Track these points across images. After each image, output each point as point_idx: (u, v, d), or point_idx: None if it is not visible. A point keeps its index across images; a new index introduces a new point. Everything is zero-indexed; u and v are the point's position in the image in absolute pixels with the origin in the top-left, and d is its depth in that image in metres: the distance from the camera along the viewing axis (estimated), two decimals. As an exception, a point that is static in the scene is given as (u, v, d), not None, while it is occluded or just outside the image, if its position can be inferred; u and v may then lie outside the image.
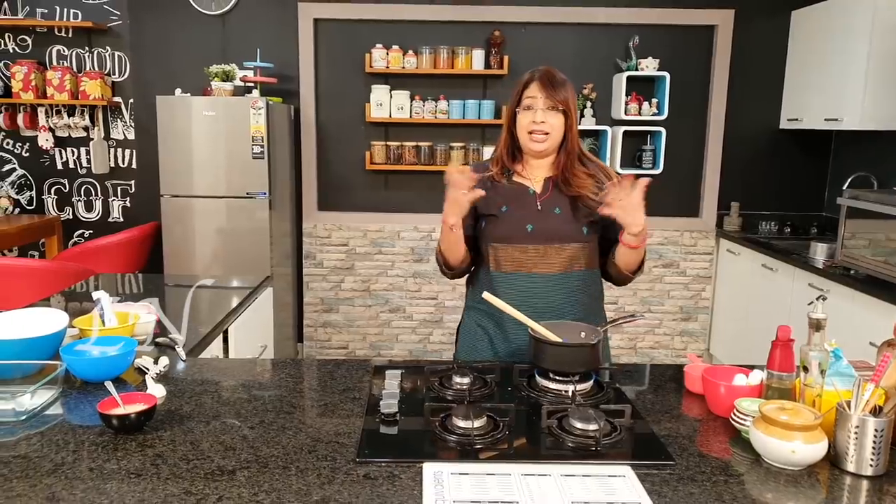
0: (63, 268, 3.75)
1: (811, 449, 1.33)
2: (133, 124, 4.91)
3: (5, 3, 4.74)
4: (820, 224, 4.92)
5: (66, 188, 5.00)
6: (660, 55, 4.73)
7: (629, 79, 4.68)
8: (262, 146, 4.28)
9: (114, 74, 4.86)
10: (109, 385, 1.54)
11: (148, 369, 1.77)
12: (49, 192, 5.01)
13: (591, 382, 1.75)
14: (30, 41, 4.83)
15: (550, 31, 4.80)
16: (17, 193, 5.00)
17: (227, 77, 4.40)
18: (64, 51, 4.84)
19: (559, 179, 2.03)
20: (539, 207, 2.02)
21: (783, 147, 4.95)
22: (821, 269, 3.71)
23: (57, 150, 4.94)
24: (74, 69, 4.80)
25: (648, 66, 4.68)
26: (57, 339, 1.82)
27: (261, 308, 2.94)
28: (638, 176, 1.84)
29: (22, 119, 4.82)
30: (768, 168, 4.98)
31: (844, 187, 4.26)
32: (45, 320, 1.91)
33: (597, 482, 1.30)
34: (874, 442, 1.33)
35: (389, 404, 1.58)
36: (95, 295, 2.01)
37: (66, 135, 4.92)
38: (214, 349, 2.33)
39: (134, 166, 4.97)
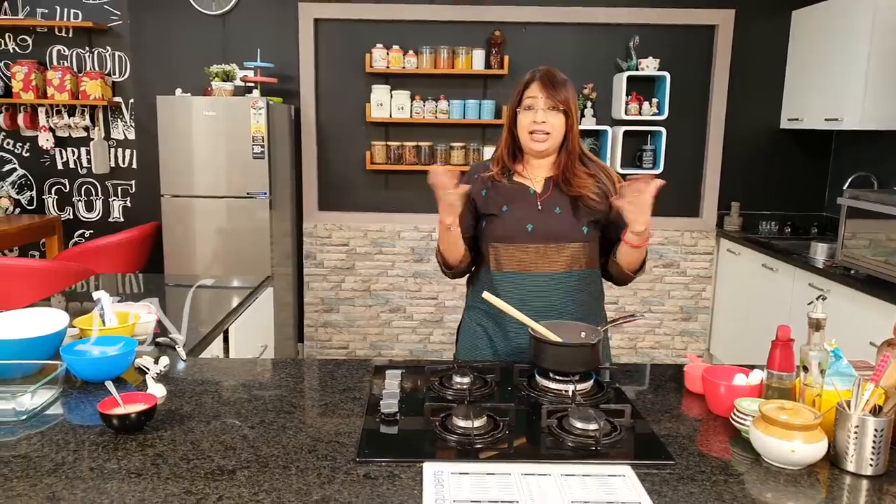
0: (63, 268, 3.75)
1: (811, 448, 1.33)
2: (133, 124, 4.92)
3: (5, 4, 4.75)
4: (820, 224, 4.92)
5: (66, 188, 5.00)
6: (660, 55, 4.73)
7: (629, 79, 4.68)
8: (262, 146, 4.28)
9: (114, 74, 4.86)
10: (110, 385, 1.54)
11: (148, 369, 1.77)
12: (49, 192, 5.01)
13: (591, 382, 1.75)
14: (30, 41, 4.83)
15: (551, 31, 4.80)
16: (17, 193, 5.00)
17: (227, 77, 4.40)
18: (64, 51, 4.84)
19: (560, 179, 2.03)
20: (539, 207, 2.02)
21: (783, 147, 4.95)
22: (821, 269, 3.71)
23: (57, 150, 4.94)
24: (75, 69, 4.81)
25: (649, 66, 4.68)
26: (57, 338, 1.82)
27: (261, 308, 2.94)
28: (641, 177, 1.83)
29: (22, 119, 4.82)
30: (769, 168, 4.98)
31: (845, 187, 4.26)
32: (46, 320, 1.91)
33: (597, 482, 1.30)
34: (874, 442, 1.33)
35: (390, 404, 1.58)
36: (96, 295, 2.01)
37: (66, 135, 4.92)
38: (215, 349, 2.33)
39: (134, 166, 4.97)
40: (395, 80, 4.78)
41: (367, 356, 5.08)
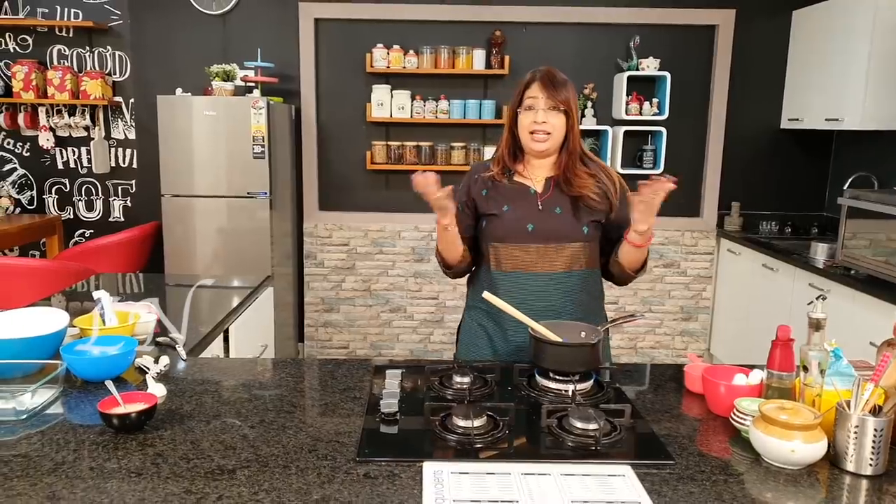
0: (64, 267, 3.75)
1: (811, 448, 1.34)
2: (134, 124, 4.92)
3: (6, 3, 4.75)
4: (821, 224, 4.92)
5: (66, 188, 5.00)
6: (661, 55, 4.73)
7: (630, 79, 4.68)
8: (262, 146, 4.28)
9: (114, 74, 4.86)
10: (110, 384, 1.55)
11: (148, 369, 1.78)
12: (50, 192, 5.01)
13: (591, 382, 1.75)
14: (30, 41, 4.83)
15: (551, 31, 4.80)
16: (17, 193, 5.00)
17: (227, 77, 4.40)
18: (65, 50, 4.84)
19: (561, 179, 2.03)
20: (540, 207, 2.02)
21: (784, 147, 4.95)
22: (821, 269, 3.71)
23: (58, 149, 4.94)
24: (75, 69, 4.81)
25: (649, 66, 4.68)
26: (57, 338, 1.82)
27: (261, 308, 2.94)
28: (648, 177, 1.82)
29: (23, 119, 4.82)
30: (769, 168, 4.98)
31: (845, 187, 4.26)
32: (46, 320, 1.92)
33: (596, 481, 1.30)
34: (874, 441, 1.33)
35: (390, 404, 1.58)
36: (96, 294, 2.01)
37: (66, 134, 4.92)
38: (215, 349, 2.34)
39: (135, 166, 4.97)
40: (395, 79, 4.78)
41: (367, 356, 5.08)
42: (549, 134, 1.98)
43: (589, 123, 4.76)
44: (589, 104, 4.77)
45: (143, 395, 1.55)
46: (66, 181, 5.00)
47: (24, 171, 4.98)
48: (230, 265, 4.41)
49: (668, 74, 4.65)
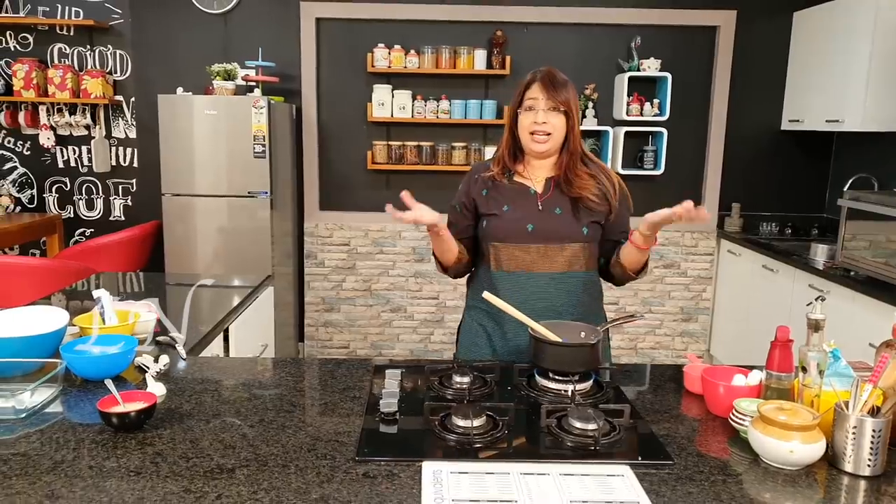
0: (64, 266, 3.75)
1: (809, 449, 1.34)
2: (134, 123, 4.92)
3: (7, 2, 4.75)
4: (821, 225, 4.92)
5: (67, 186, 5.01)
6: (662, 56, 4.73)
7: (631, 79, 4.68)
8: (263, 145, 4.28)
9: (115, 73, 4.87)
10: (109, 383, 1.55)
11: (148, 368, 1.78)
12: (50, 191, 5.01)
13: (590, 382, 1.75)
14: (31, 39, 4.84)
15: (552, 32, 4.80)
16: (18, 192, 5.00)
17: (228, 76, 4.40)
18: (65, 49, 4.84)
19: (561, 179, 2.03)
20: (540, 207, 2.03)
21: (784, 148, 4.95)
22: (821, 270, 3.71)
23: (58, 148, 4.95)
24: (76, 67, 4.81)
25: (650, 67, 4.68)
26: (57, 337, 1.83)
27: (262, 307, 2.94)
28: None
29: (23, 117, 4.83)
30: (769, 169, 4.98)
31: (845, 189, 4.26)
32: (46, 318, 1.92)
33: (595, 481, 1.30)
34: (872, 442, 1.33)
35: (389, 403, 1.58)
36: (96, 293, 2.01)
37: (67, 133, 4.92)
38: (215, 348, 2.34)
39: (135, 165, 4.98)
40: (396, 79, 4.78)
41: (367, 356, 5.08)
42: (549, 134, 1.98)
43: (590, 124, 4.76)
44: (590, 105, 4.77)
45: (142, 394, 1.55)
46: (67, 180, 5.00)
47: (25, 169, 4.99)
48: (230, 264, 4.41)
49: (668, 75, 4.65)
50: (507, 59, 4.70)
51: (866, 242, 3.49)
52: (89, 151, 4.93)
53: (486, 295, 1.90)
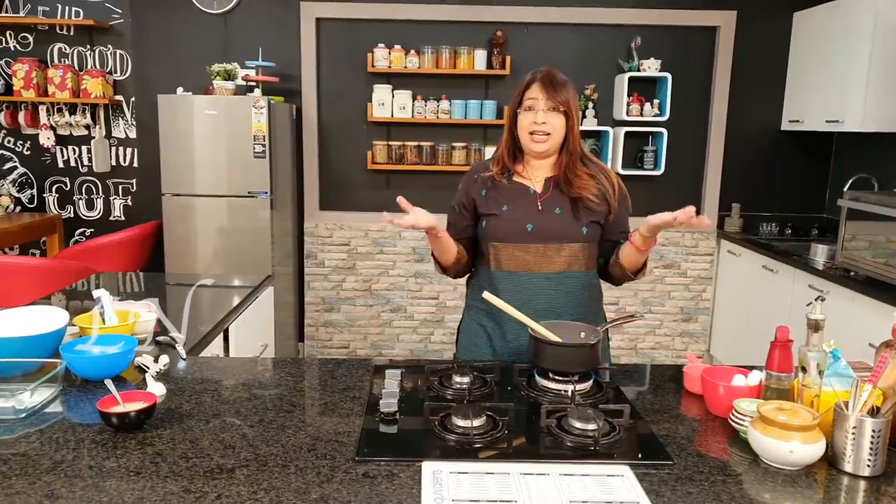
0: (64, 266, 3.75)
1: (809, 449, 1.34)
2: (134, 123, 4.92)
3: (7, 2, 4.75)
4: (821, 225, 4.92)
5: (67, 186, 5.01)
6: (662, 56, 4.73)
7: (631, 79, 4.68)
8: (263, 145, 4.28)
9: (115, 73, 4.87)
10: (109, 383, 1.55)
11: (148, 368, 1.78)
12: (50, 191, 5.01)
13: (590, 382, 1.75)
14: (31, 39, 4.84)
15: (552, 32, 4.80)
16: (18, 191, 5.00)
17: (228, 76, 4.40)
18: (65, 49, 4.84)
19: (561, 179, 2.03)
20: (539, 207, 2.03)
21: (784, 148, 4.95)
22: (821, 270, 3.71)
23: (58, 148, 4.95)
24: (76, 67, 4.81)
25: (650, 67, 4.68)
26: (57, 337, 1.83)
27: (262, 307, 2.94)
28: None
29: (23, 117, 4.83)
30: (769, 169, 4.98)
31: (845, 189, 4.27)
32: (46, 318, 1.92)
33: (595, 482, 1.30)
34: (871, 442, 1.33)
35: (389, 403, 1.58)
36: (96, 293, 2.01)
37: (67, 133, 4.92)
38: (215, 348, 2.34)
39: (135, 165, 4.98)
40: (396, 79, 4.78)
41: (367, 356, 5.08)
42: (548, 134, 1.98)
43: (590, 124, 4.76)
44: (590, 105, 4.77)
45: (142, 394, 1.55)
46: (67, 180, 5.00)
47: (25, 169, 4.98)
48: (230, 264, 4.41)
49: (669, 75, 4.65)
50: (507, 59, 4.70)
51: (866, 243, 3.49)
52: (89, 151, 4.93)
53: (486, 295, 1.90)
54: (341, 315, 5.07)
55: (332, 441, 1.45)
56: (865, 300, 3.31)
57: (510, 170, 2.09)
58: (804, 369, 1.53)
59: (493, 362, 1.94)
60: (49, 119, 4.84)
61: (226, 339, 2.49)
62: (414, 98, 4.73)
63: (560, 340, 1.78)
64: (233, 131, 4.28)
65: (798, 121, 4.65)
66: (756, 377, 1.63)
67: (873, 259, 3.41)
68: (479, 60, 4.69)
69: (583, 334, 1.83)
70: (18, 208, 5.00)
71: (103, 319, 1.97)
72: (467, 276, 2.24)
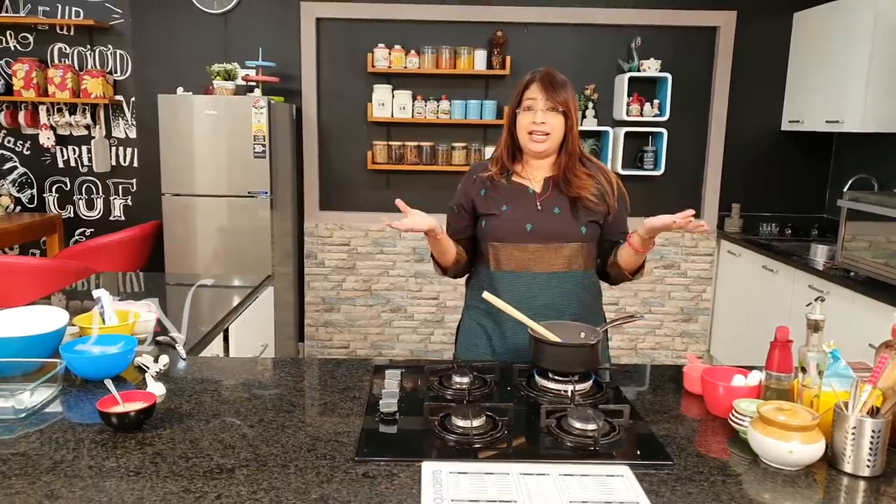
0: (64, 266, 3.75)
1: (808, 449, 1.34)
2: (135, 123, 4.92)
3: (7, 2, 4.75)
4: (821, 226, 4.92)
5: (67, 186, 5.01)
6: (662, 56, 4.73)
7: (631, 80, 4.68)
8: (263, 145, 4.28)
9: (115, 73, 4.87)
10: (109, 383, 1.55)
11: (148, 368, 1.78)
12: (50, 191, 5.01)
13: (590, 382, 1.75)
14: (31, 39, 4.84)
15: (552, 32, 4.80)
16: (18, 191, 5.00)
17: (228, 76, 4.41)
18: (66, 49, 4.84)
19: (560, 179, 2.04)
20: (539, 207, 2.03)
21: (784, 149, 4.95)
22: (821, 270, 3.71)
23: (58, 148, 4.94)
24: (76, 67, 4.81)
25: (650, 68, 4.68)
26: (57, 337, 1.83)
27: (262, 307, 2.95)
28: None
29: (23, 117, 4.82)
30: (769, 170, 4.98)
31: (845, 189, 4.27)
32: (46, 318, 1.92)
33: (595, 482, 1.30)
34: (871, 443, 1.33)
35: (389, 403, 1.58)
36: (96, 293, 2.01)
37: (67, 133, 4.92)
38: (215, 348, 2.34)
39: (135, 165, 4.98)
40: (396, 79, 4.78)
41: (367, 356, 5.08)
42: (547, 135, 1.98)
43: (590, 124, 4.76)
44: (590, 105, 4.77)
45: (142, 394, 1.55)
46: (67, 180, 5.00)
47: (25, 169, 4.98)
48: (230, 264, 4.41)
49: (669, 76, 4.65)
50: (508, 59, 4.70)
51: (866, 243, 3.49)
52: (89, 151, 4.93)
53: (486, 295, 1.90)
54: (341, 315, 5.07)
55: (331, 441, 1.45)
56: (865, 300, 3.31)
57: (509, 170, 2.09)
58: (804, 369, 1.53)
59: (493, 362, 1.94)
60: (49, 119, 4.84)
61: (226, 339, 2.49)
62: (414, 98, 4.73)
63: (560, 340, 1.78)
64: (233, 131, 4.28)
65: (798, 121, 4.65)
66: (756, 377, 1.63)
67: (873, 259, 3.41)
68: (479, 60, 4.69)
69: (583, 334, 1.83)
70: (18, 208, 5.00)
71: (103, 319, 1.97)
72: (467, 276, 2.24)
